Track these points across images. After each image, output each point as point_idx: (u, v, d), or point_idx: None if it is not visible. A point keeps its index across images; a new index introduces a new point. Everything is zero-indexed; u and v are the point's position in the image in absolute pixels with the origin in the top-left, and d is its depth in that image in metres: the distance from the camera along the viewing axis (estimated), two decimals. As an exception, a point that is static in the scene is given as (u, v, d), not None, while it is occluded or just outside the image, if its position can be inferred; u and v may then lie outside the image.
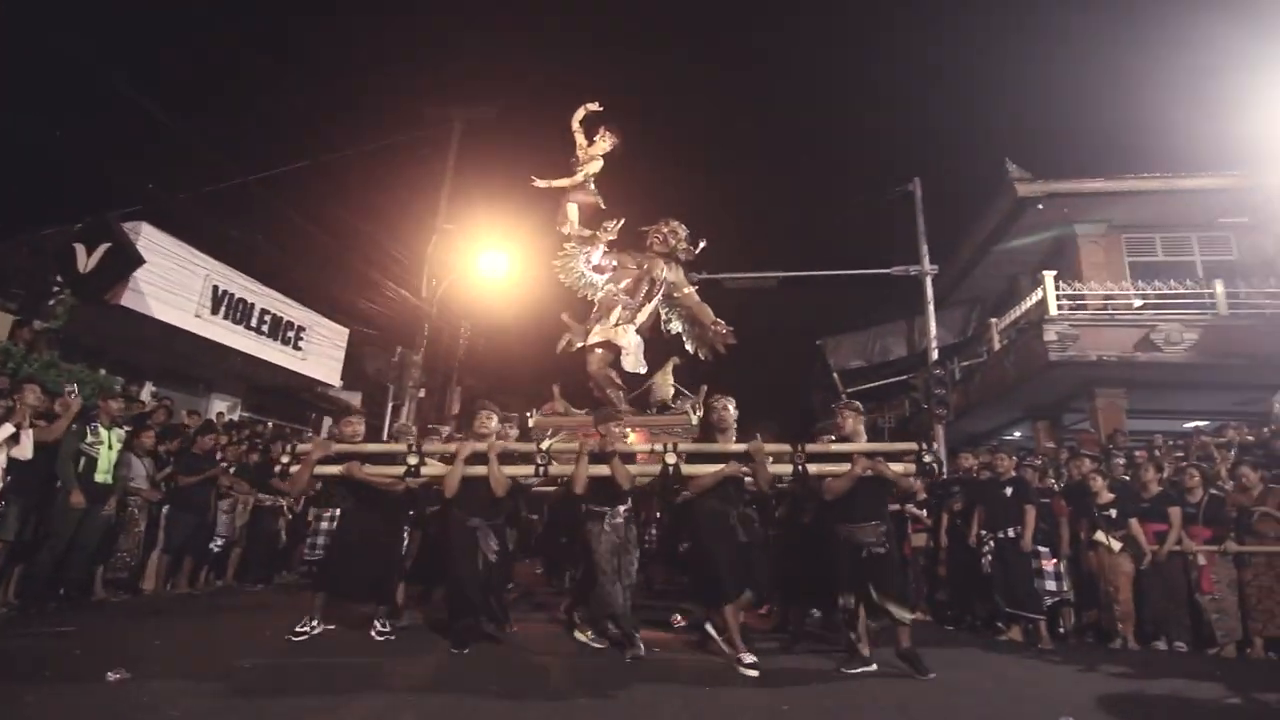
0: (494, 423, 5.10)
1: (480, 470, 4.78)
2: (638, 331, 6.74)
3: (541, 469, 4.88)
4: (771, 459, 4.82)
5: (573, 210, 7.17)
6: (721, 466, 4.78)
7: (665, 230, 6.80)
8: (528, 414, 6.78)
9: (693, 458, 4.93)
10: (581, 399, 6.86)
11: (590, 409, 6.74)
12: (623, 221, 7.12)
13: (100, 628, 4.95)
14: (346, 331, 14.36)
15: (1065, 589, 6.45)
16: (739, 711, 3.48)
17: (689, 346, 7.11)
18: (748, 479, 4.90)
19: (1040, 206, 12.05)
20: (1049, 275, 11.18)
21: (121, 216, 9.40)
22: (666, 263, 6.82)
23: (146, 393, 11.24)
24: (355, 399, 16.95)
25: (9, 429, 5.32)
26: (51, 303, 9.06)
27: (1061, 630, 6.45)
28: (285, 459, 5.25)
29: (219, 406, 12.95)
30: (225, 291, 11.16)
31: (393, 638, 4.83)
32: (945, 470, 8.75)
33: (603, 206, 7.30)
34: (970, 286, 15.39)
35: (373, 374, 16.86)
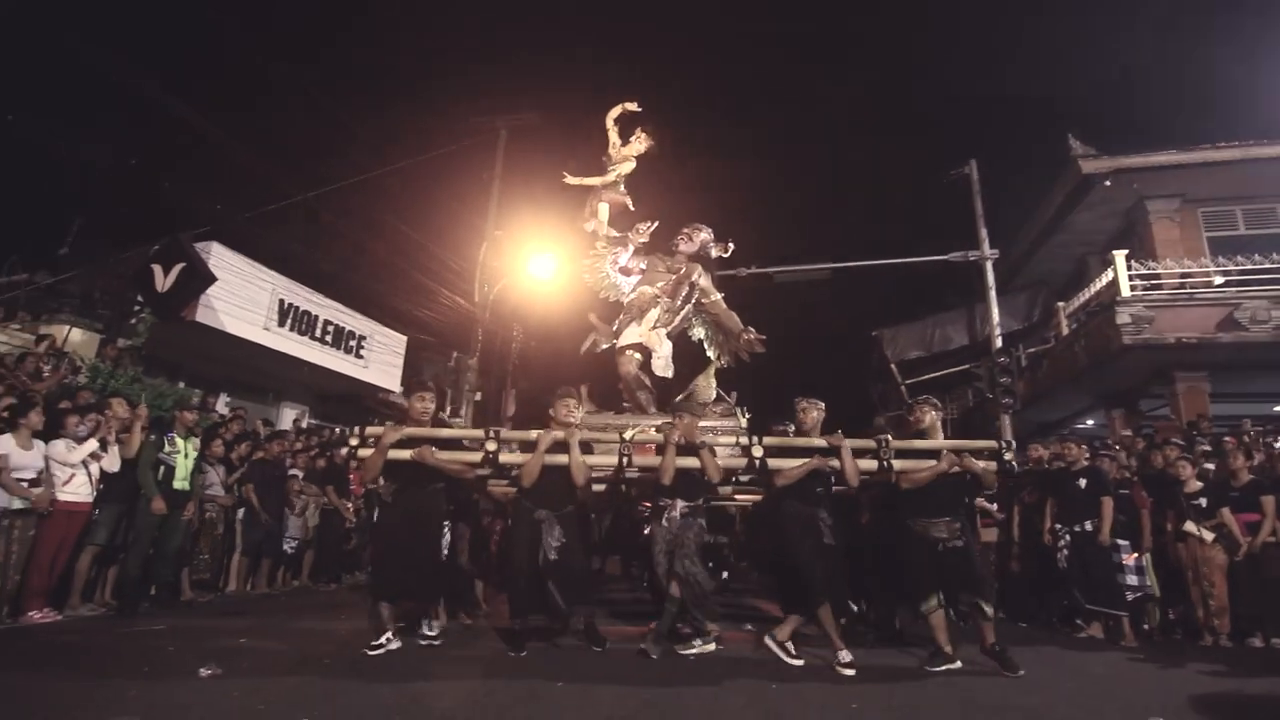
0: (580, 412, 4.92)
1: (559, 459, 4.68)
2: (669, 336, 6.75)
3: (626, 458, 4.82)
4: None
5: (603, 210, 7.15)
6: (807, 460, 4.69)
7: (688, 231, 6.82)
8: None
9: (776, 452, 4.87)
10: (609, 401, 6.85)
11: (617, 411, 6.71)
12: (656, 224, 7.09)
13: (189, 626, 5.20)
14: (404, 339, 14.80)
15: (1149, 584, 6.13)
16: (810, 709, 3.42)
17: (711, 354, 7.06)
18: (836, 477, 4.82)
19: (1107, 183, 11.50)
20: (1120, 255, 10.65)
21: (193, 237, 9.91)
22: (701, 269, 6.81)
23: (222, 403, 11.79)
24: (415, 404, 17.45)
25: (93, 444, 5.67)
26: (133, 321, 9.62)
27: (1146, 627, 6.13)
28: (354, 441, 4.87)
29: (289, 415, 13.51)
30: (291, 304, 11.65)
31: (436, 642, 4.61)
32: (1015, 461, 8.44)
33: (631, 208, 7.28)
34: (1034, 270, 14.81)
35: (430, 379, 17.29)
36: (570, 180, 7.20)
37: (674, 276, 6.82)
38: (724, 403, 6.72)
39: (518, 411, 16.53)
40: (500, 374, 17.39)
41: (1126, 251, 10.83)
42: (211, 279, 9.37)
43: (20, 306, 9.24)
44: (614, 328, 6.90)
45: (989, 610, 4.33)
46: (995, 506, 7.38)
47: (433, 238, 15.15)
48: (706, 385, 6.82)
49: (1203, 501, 5.97)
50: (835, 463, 4.67)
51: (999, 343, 12.69)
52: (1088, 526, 6.06)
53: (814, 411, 4.91)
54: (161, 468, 6.12)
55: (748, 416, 6.43)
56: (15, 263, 10.12)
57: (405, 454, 4.61)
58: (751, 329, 6.74)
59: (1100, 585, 5.93)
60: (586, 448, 4.90)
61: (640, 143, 7.25)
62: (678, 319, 6.77)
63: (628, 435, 4.98)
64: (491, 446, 4.74)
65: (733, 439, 5.28)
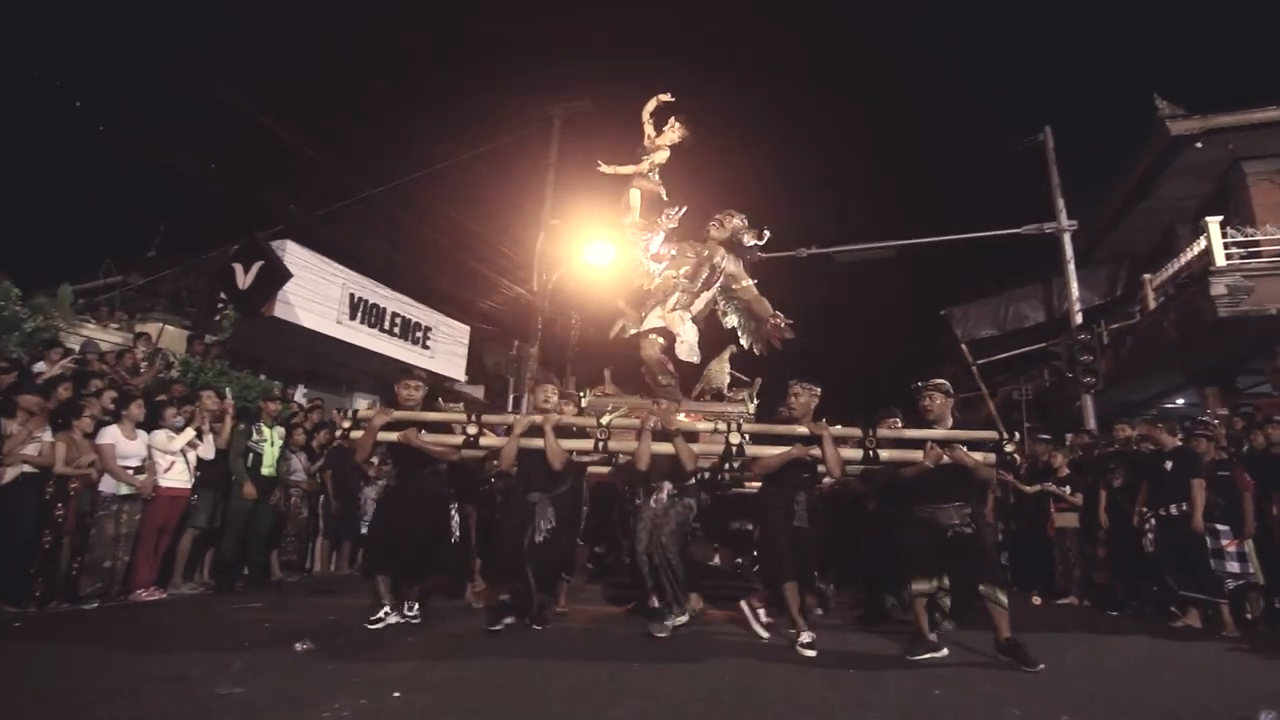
0: (555, 397, 5.01)
1: (539, 443, 4.74)
2: (694, 320, 6.73)
3: (600, 444, 4.82)
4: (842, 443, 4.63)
5: (635, 197, 7.19)
6: (787, 449, 4.60)
7: (720, 217, 6.77)
8: (580, 393, 6.92)
9: (757, 439, 4.78)
10: (634, 385, 6.85)
11: (641, 395, 6.72)
12: (684, 209, 7.10)
13: (281, 604, 5.50)
14: (468, 329, 15.15)
15: (1251, 571, 5.75)
16: (892, 694, 3.36)
17: (744, 341, 7.01)
18: (821, 468, 4.69)
19: (1199, 145, 10.72)
20: (1213, 222, 9.95)
21: (268, 235, 10.36)
22: (728, 253, 6.78)
23: (300, 394, 12.34)
24: (479, 392, 17.88)
25: (190, 433, 6.03)
26: (218, 318, 10.13)
27: (1249, 616, 5.77)
28: (346, 424, 5.03)
29: (362, 404, 14.03)
30: (360, 298, 12.07)
31: (416, 620, 4.71)
32: (1098, 443, 8.06)
33: (664, 197, 7.30)
34: (1116, 241, 14.00)
35: (493, 368, 17.66)
36: (605, 169, 7.32)
37: (697, 260, 6.83)
38: (743, 388, 6.70)
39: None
40: (560, 361, 17.63)
41: (1220, 218, 10.11)
42: (287, 275, 9.78)
43: (116, 306, 9.86)
44: (641, 313, 6.93)
45: (1003, 598, 4.07)
46: (1069, 490, 7.09)
47: (492, 228, 15.42)
48: (720, 371, 6.81)
49: (1314, 484, 5.56)
50: (817, 451, 4.54)
51: (1079, 319, 12.07)
52: (1173, 510, 5.73)
53: (805, 396, 4.76)
54: (250, 455, 6.47)
55: (755, 403, 6.40)
56: (109, 266, 10.81)
57: (394, 436, 4.80)
58: (780, 315, 6.64)
59: (1194, 571, 5.61)
60: (568, 431, 4.89)
61: (674, 132, 7.28)
62: (700, 303, 6.75)
63: (604, 420, 4.94)
64: (472, 430, 4.87)
65: (719, 425, 5.07)
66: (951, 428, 4.54)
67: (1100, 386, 11.33)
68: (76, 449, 5.30)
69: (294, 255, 10.67)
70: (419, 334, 13.58)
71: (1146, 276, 12.20)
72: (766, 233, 6.89)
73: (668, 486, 4.85)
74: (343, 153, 11.94)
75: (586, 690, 3.27)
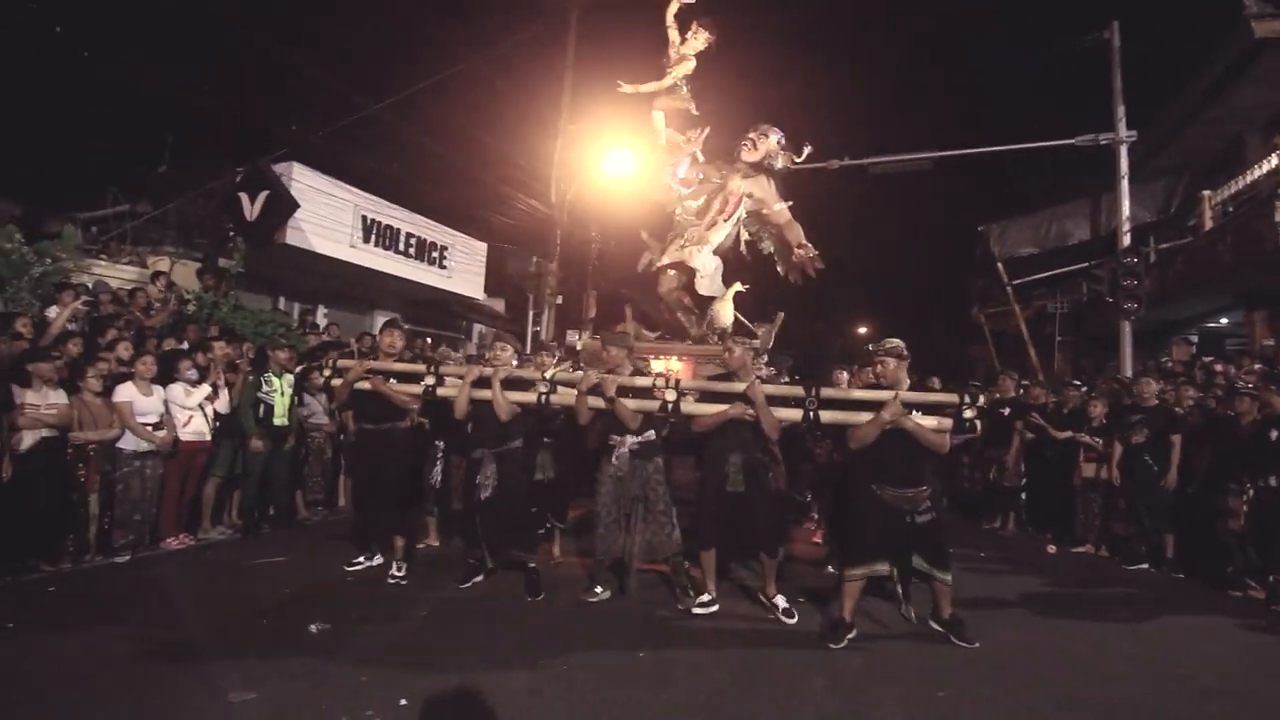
0: (507, 354, 4.95)
1: (489, 395, 4.70)
2: (715, 252, 6.37)
3: (544, 397, 4.71)
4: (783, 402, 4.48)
5: (659, 119, 6.65)
6: (725, 408, 4.42)
7: (754, 137, 6.23)
8: (569, 333, 6.73)
9: (701, 397, 4.63)
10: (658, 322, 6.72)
11: (664, 333, 6.64)
12: (708, 130, 6.62)
13: (304, 557, 5.60)
14: (485, 246, 14.85)
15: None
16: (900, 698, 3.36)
17: (780, 269, 6.67)
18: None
19: (1286, 48, 9.56)
20: (1289, 139, 9.04)
21: (273, 159, 9.97)
22: (753, 175, 6.32)
23: (320, 315, 12.35)
24: (499, 305, 17.78)
25: (206, 389, 6.03)
26: (229, 245, 9.95)
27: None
28: (328, 373, 5.33)
29: (382, 322, 14.02)
30: (374, 220, 11.78)
31: (404, 582, 4.86)
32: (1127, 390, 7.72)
33: (695, 112, 6.76)
34: (1176, 152, 12.87)
35: (513, 277, 17.43)
36: (625, 89, 6.73)
37: (712, 188, 6.48)
38: (747, 329, 6.44)
39: (599, 312, 16.51)
40: (580, 275, 17.26)
41: (1297, 133, 9.17)
42: (295, 205, 9.49)
43: (127, 240, 9.70)
44: (664, 245, 6.61)
45: (947, 578, 4.07)
46: (1100, 441, 6.84)
47: (507, 139, 14.70)
48: (723, 311, 6.42)
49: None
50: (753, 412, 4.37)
51: (1127, 240, 11.33)
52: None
53: (738, 350, 4.63)
54: (261, 406, 6.47)
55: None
56: (116, 194, 10.53)
57: (366, 384, 4.95)
58: (808, 245, 6.29)
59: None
60: (518, 383, 4.80)
61: (698, 39, 6.64)
62: (720, 233, 6.35)
63: (548, 374, 4.84)
64: (430, 381, 4.92)
65: (656, 382, 4.79)
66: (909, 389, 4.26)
67: (1142, 313, 10.81)
68: (88, 410, 5.33)
69: (301, 179, 10.32)
70: (435, 254, 13.34)
71: (1206, 193, 11.32)
72: (808, 148, 6.39)
73: (629, 440, 4.62)
74: (346, 68, 11.24)
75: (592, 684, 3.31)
